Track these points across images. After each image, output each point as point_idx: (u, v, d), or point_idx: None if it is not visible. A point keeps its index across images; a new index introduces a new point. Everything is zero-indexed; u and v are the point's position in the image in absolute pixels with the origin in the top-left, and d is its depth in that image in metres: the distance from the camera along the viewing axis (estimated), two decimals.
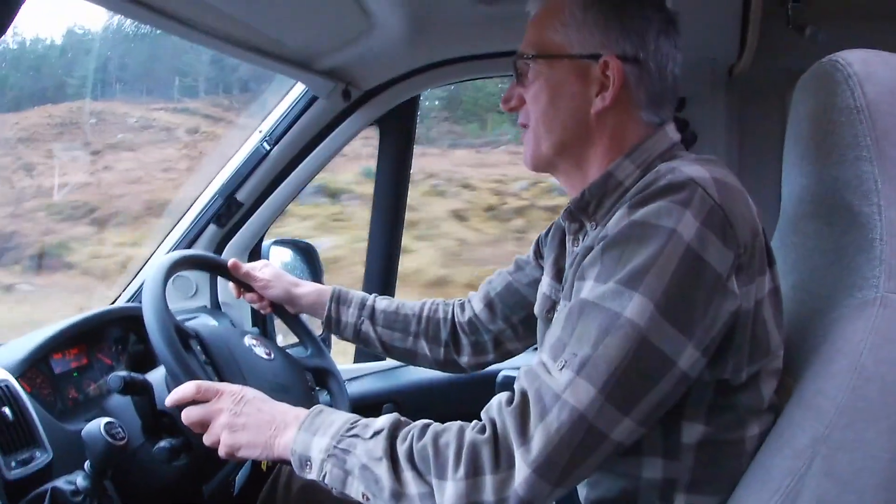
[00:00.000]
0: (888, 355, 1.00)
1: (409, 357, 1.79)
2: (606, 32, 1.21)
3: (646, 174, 1.13)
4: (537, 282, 1.54)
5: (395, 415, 1.16)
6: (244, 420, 1.24)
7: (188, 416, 1.29)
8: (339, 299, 1.78)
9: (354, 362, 2.54)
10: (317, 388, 1.76)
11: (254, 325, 2.40)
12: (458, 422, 1.09)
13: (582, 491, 1.26)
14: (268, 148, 2.22)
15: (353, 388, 1.88)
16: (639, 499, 1.16)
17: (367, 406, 2.27)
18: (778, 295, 1.13)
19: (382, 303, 1.78)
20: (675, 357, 1.00)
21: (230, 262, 1.79)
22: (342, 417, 1.18)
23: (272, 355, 1.67)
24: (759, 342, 1.08)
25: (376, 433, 1.12)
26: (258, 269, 1.81)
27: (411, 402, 2.34)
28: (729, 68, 2.05)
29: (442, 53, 2.21)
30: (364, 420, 1.17)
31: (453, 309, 1.76)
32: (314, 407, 1.23)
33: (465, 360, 1.74)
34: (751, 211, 1.08)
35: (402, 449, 1.09)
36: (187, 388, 1.30)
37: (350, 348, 2.55)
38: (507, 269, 1.70)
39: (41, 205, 7.45)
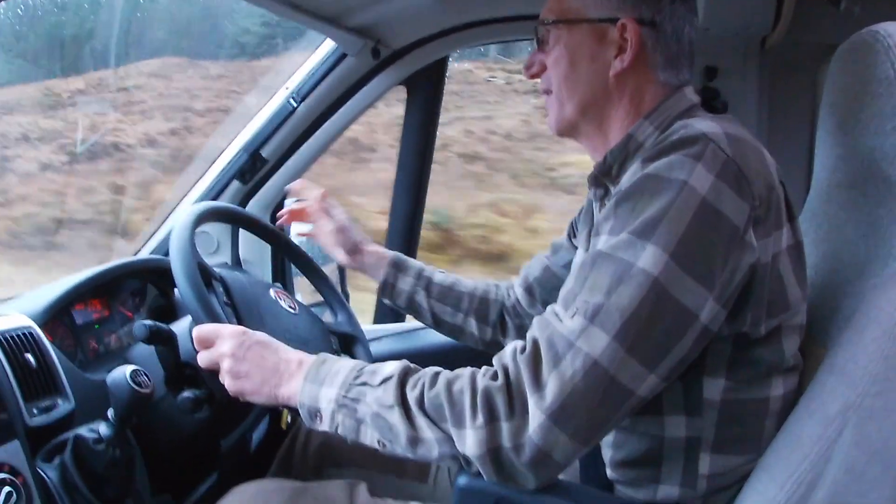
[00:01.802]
0: None
1: (457, 333, 1.80)
2: None
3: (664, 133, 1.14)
4: (571, 263, 1.55)
5: (403, 361, 1.17)
6: (247, 367, 1.25)
7: (200, 361, 1.32)
8: (398, 265, 1.78)
9: (374, 323, 2.55)
10: (342, 354, 1.76)
11: (274, 282, 2.40)
12: (470, 368, 1.10)
13: (607, 453, 1.28)
14: (294, 105, 2.22)
15: (372, 349, 1.88)
16: (663, 459, 1.17)
17: None
18: (799, 250, 1.13)
19: (439, 276, 1.79)
20: (697, 310, 1.01)
21: (322, 191, 1.80)
22: (347, 365, 1.19)
23: (296, 309, 1.67)
24: (777, 296, 1.09)
25: (385, 380, 1.13)
26: (339, 214, 1.81)
27: (430, 365, 2.33)
28: (762, 40, 2.03)
29: (471, 15, 2.19)
30: (370, 366, 1.18)
31: (503, 292, 1.77)
32: (318, 355, 1.24)
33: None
34: (765, 165, 1.09)
35: (412, 396, 1.10)
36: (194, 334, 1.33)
37: (370, 309, 2.56)
38: (545, 253, 1.71)
39: None
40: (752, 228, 1.03)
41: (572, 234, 1.64)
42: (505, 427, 1.03)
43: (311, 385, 1.19)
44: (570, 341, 1.01)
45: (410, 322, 2.45)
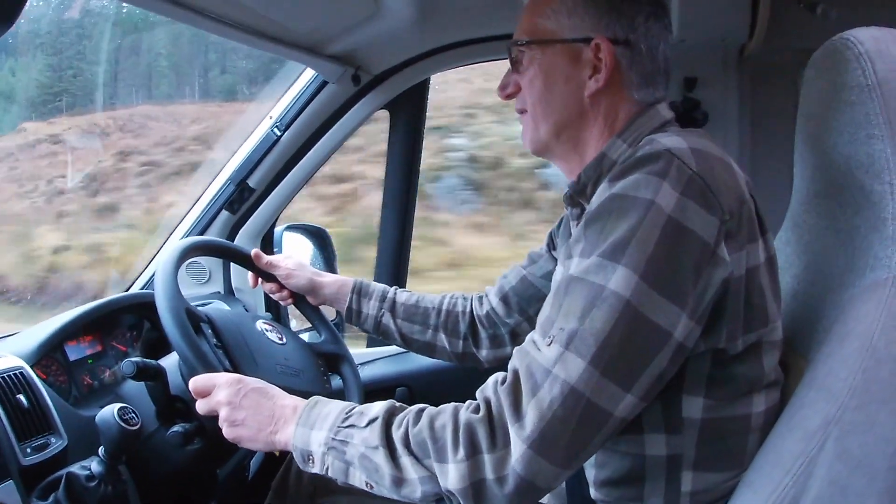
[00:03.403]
0: None
1: (428, 350, 1.80)
2: (597, 17, 1.23)
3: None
4: (551, 274, 1.55)
5: (390, 401, 1.17)
6: (243, 415, 1.25)
7: (198, 409, 1.32)
8: (360, 291, 1.79)
9: (367, 347, 2.55)
10: (329, 374, 1.76)
11: (267, 310, 2.40)
12: (453, 403, 1.10)
13: (590, 472, 1.27)
14: (278, 134, 2.22)
15: (366, 373, 1.88)
16: (646, 477, 1.17)
17: (380, 390, 2.29)
18: (773, 265, 1.13)
19: (403, 295, 1.79)
20: (671, 328, 1.01)
21: (253, 252, 1.80)
22: (337, 407, 1.20)
23: (284, 340, 1.67)
24: (756, 311, 1.08)
25: (371, 421, 1.13)
26: (281, 260, 1.82)
27: (424, 386, 2.35)
28: (740, 48, 2.04)
29: (450, 36, 2.20)
30: (360, 408, 1.18)
31: (472, 303, 1.77)
32: (310, 399, 1.24)
33: (483, 353, 1.74)
34: (734, 178, 1.08)
35: (397, 435, 1.10)
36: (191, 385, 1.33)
37: (363, 333, 2.56)
38: (521, 264, 1.71)
39: None
40: (724, 242, 1.03)
41: (552, 245, 1.64)
42: (487, 459, 1.02)
43: (303, 428, 1.19)
44: (548, 369, 1.01)
45: None
